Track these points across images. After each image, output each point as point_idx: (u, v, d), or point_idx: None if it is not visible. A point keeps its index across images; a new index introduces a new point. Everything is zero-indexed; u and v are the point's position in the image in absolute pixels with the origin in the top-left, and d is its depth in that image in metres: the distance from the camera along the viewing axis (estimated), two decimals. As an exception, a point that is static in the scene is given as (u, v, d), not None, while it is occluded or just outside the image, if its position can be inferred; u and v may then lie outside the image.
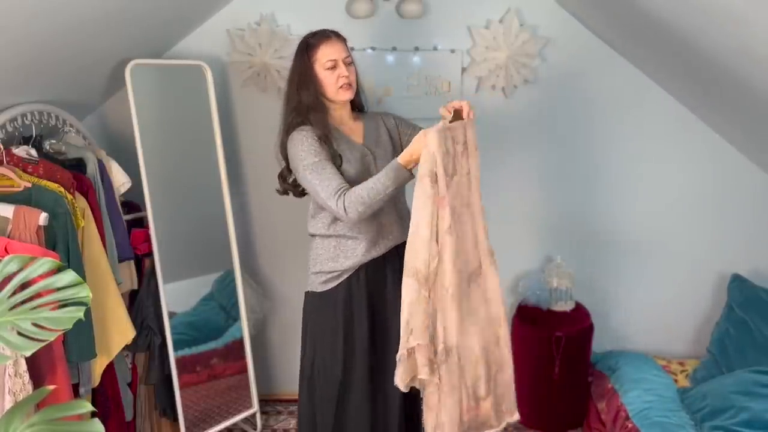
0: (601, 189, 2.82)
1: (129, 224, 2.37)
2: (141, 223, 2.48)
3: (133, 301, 2.39)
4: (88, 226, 1.98)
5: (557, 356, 2.61)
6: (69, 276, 1.19)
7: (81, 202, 1.98)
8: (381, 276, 1.95)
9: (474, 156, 1.80)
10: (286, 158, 1.92)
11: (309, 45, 1.90)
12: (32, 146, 2.01)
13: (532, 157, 2.79)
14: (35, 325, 1.15)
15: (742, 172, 2.75)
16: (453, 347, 1.72)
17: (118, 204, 2.27)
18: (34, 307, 1.16)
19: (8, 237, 1.70)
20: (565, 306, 2.73)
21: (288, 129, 1.90)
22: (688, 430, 2.16)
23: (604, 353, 2.84)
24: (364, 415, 1.95)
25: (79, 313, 1.17)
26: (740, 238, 2.82)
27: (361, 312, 1.92)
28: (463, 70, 2.67)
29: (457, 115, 1.80)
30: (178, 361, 2.42)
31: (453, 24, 2.64)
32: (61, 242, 1.83)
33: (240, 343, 2.66)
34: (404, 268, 1.67)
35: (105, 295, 2.02)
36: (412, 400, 1.92)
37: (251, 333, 2.70)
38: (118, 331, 2.06)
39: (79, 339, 1.84)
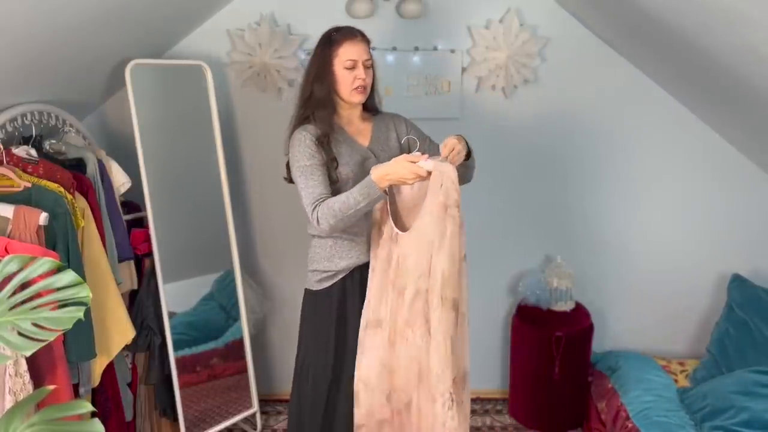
0: (601, 189, 2.82)
1: (129, 224, 2.37)
2: (141, 223, 2.48)
3: (133, 301, 2.39)
4: (88, 226, 1.98)
5: (557, 356, 2.61)
6: (69, 276, 1.18)
7: (81, 202, 1.98)
8: None
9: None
10: None
11: (332, 40, 1.87)
12: (32, 146, 2.01)
13: (531, 156, 2.79)
14: (35, 325, 1.15)
15: (742, 172, 2.75)
16: (468, 371, 1.76)
17: (118, 204, 2.27)
18: (34, 307, 1.16)
19: (8, 237, 1.70)
20: (565, 306, 2.73)
21: (295, 122, 1.91)
22: (688, 430, 2.16)
23: (604, 353, 2.84)
24: (352, 418, 1.94)
25: (79, 313, 1.17)
26: (740, 238, 2.82)
27: (354, 313, 1.92)
28: (463, 70, 2.67)
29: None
30: (178, 361, 2.42)
31: (453, 24, 2.64)
32: (61, 242, 1.83)
33: (240, 343, 2.66)
34: (440, 300, 1.66)
35: (105, 295, 2.01)
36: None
37: (251, 333, 2.70)
38: (118, 331, 2.06)
39: (79, 339, 1.84)
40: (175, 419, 2.45)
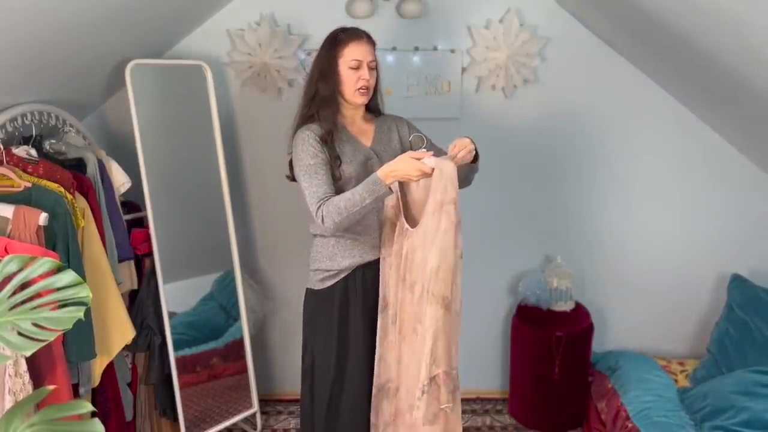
0: (601, 189, 2.82)
1: (129, 224, 2.37)
2: (141, 223, 2.48)
3: (133, 301, 2.39)
4: (88, 226, 1.98)
5: (557, 356, 2.61)
6: (69, 276, 1.18)
7: (81, 202, 1.98)
8: (378, 278, 1.95)
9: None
10: None
11: (338, 40, 1.88)
12: (32, 146, 2.01)
13: (531, 157, 2.79)
14: (35, 325, 1.15)
15: (742, 172, 2.75)
16: (457, 368, 1.76)
17: (118, 204, 2.27)
18: (34, 307, 1.16)
19: (8, 237, 1.70)
20: (565, 306, 2.73)
21: (299, 121, 1.92)
22: (688, 430, 2.16)
23: (604, 353, 2.84)
24: (357, 416, 1.95)
25: (79, 313, 1.17)
26: (740, 238, 2.82)
27: (357, 312, 1.93)
28: (463, 70, 2.67)
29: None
30: (178, 361, 2.42)
31: (453, 24, 2.64)
32: (61, 242, 1.83)
33: (240, 343, 2.66)
34: (429, 296, 1.67)
35: (105, 295, 2.01)
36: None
37: (251, 333, 2.70)
38: (118, 331, 2.06)
39: (79, 339, 1.84)
40: (175, 419, 2.45)
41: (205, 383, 2.57)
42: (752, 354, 2.46)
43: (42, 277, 1.19)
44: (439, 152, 1.98)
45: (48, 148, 2.16)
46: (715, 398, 2.24)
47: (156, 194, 2.34)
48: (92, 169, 2.16)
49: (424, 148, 1.81)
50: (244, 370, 2.68)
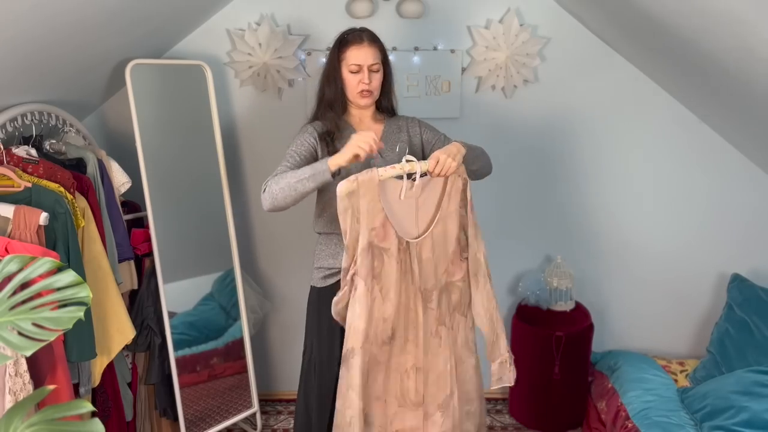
0: (601, 189, 2.82)
1: (129, 224, 2.38)
2: (141, 223, 2.48)
3: (133, 301, 2.39)
4: (88, 226, 1.98)
5: (557, 356, 2.61)
6: (69, 276, 1.18)
7: (81, 202, 1.98)
8: None
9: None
10: None
11: (342, 42, 1.91)
12: (32, 146, 2.02)
13: (531, 157, 2.79)
14: (35, 325, 1.15)
15: (742, 172, 2.75)
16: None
17: (118, 204, 2.27)
18: (35, 307, 1.16)
19: (8, 237, 1.70)
20: (565, 306, 2.73)
21: (309, 120, 1.97)
22: (688, 430, 2.16)
23: (604, 353, 2.84)
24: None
25: (79, 313, 1.17)
26: (740, 238, 2.82)
27: None
28: (463, 70, 2.67)
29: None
30: (178, 361, 2.42)
31: (453, 24, 2.64)
32: (61, 242, 1.83)
33: (240, 343, 2.66)
34: (483, 275, 1.92)
35: (105, 295, 2.02)
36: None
37: (251, 333, 2.70)
38: (118, 330, 2.06)
39: (79, 339, 1.84)
40: (175, 419, 2.45)
41: (205, 383, 2.57)
42: (752, 354, 2.46)
43: (42, 276, 1.19)
44: (446, 142, 1.98)
45: (48, 148, 2.16)
46: (715, 398, 2.24)
47: (156, 194, 2.34)
48: (92, 169, 2.16)
49: (410, 154, 1.78)
50: (244, 370, 2.68)
